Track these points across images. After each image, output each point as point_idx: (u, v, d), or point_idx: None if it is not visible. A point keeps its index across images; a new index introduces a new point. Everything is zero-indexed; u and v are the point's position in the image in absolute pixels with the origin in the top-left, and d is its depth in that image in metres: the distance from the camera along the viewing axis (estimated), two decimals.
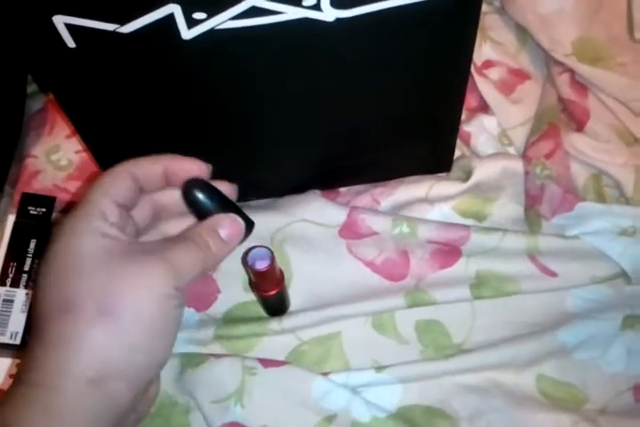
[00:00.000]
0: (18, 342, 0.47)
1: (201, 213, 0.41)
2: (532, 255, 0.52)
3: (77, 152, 0.59)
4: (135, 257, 0.36)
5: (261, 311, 0.52)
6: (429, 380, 0.49)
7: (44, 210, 0.51)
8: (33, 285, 0.38)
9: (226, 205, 0.41)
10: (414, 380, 0.49)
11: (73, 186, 0.58)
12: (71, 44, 0.39)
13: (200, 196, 0.41)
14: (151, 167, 0.42)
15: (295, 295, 0.52)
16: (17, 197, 0.56)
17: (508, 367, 0.49)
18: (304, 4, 0.39)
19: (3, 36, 0.52)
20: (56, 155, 0.59)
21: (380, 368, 0.49)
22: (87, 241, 0.37)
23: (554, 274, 0.51)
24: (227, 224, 0.40)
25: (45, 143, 0.59)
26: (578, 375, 0.49)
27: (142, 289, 0.35)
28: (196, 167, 0.42)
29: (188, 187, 0.41)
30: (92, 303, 0.34)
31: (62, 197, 0.56)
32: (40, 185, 0.58)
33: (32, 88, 0.61)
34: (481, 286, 0.51)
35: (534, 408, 0.48)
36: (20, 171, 0.58)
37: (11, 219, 0.52)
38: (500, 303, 0.51)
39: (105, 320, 0.34)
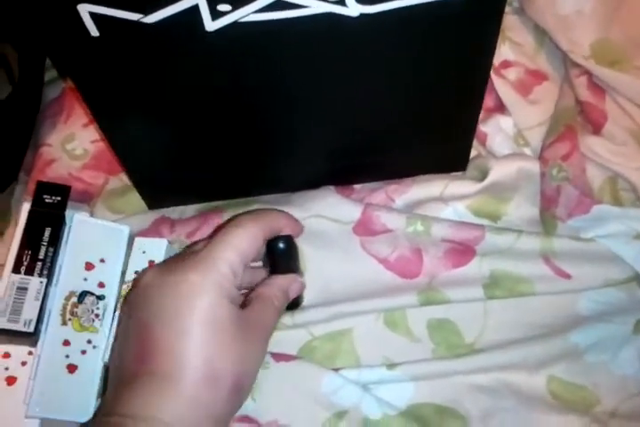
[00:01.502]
0: (31, 329, 0.47)
1: (275, 262, 0.47)
2: (547, 257, 0.52)
3: (93, 142, 0.59)
4: (248, 332, 0.42)
5: None
6: (441, 379, 0.49)
7: (59, 198, 0.51)
8: (147, 319, 0.42)
9: (296, 259, 0.49)
10: (425, 378, 0.49)
11: (88, 175, 0.58)
12: (95, 32, 0.39)
13: (284, 251, 0.47)
14: (277, 226, 0.46)
15: (308, 291, 0.52)
16: (31, 186, 0.56)
17: (520, 368, 0.49)
18: None
19: (23, 23, 0.52)
20: (71, 144, 0.59)
21: (391, 366, 0.49)
22: (222, 305, 0.41)
23: (568, 276, 0.51)
24: (295, 287, 0.47)
25: (61, 132, 0.59)
26: (589, 378, 0.49)
27: (257, 370, 0.43)
28: (298, 227, 0.49)
29: (281, 240, 0.47)
30: (231, 381, 0.40)
31: (77, 187, 0.56)
32: (55, 173, 0.57)
33: (49, 76, 0.61)
34: (494, 285, 0.51)
35: (545, 410, 0.48)
36: (34, 159, 0.58)
37: (25, 206, 0.52)
38: (513, 304, 0.51)
39: (235, 396, 0.41)
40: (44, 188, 0.51)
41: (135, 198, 0.56)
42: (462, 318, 0.51)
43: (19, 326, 0.47)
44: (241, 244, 0.42)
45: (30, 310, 0.47)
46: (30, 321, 0.47)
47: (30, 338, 0.48)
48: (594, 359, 0.49)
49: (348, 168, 0.56)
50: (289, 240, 0.48)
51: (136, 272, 0.50)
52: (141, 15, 0.38)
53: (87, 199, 0.57)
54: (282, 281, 0.46)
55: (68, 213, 0.52)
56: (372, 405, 0.47)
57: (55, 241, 0.49)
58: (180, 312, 0.40)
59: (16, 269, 0.48)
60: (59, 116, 0.60)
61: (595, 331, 0.50)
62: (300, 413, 0.47)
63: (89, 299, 0.50)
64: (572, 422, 0.47)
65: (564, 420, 0.47)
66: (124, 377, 0.41)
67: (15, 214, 0.53)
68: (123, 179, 0.58)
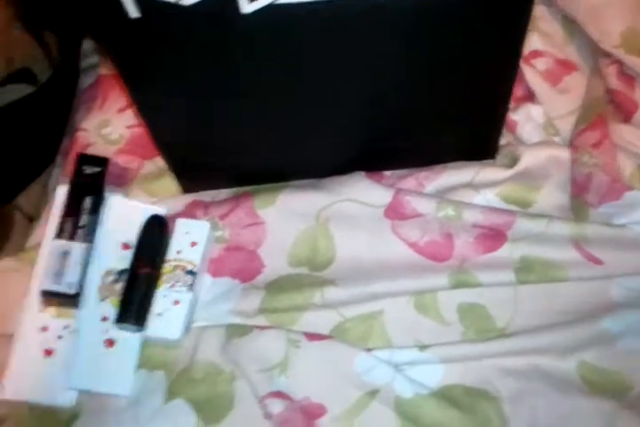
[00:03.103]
0: (74, 291, 0.48)
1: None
2: (578, 243, 0.52)
3: (128, 127, 0.60)
4: None
5: (304, 283, 0.52)
6: (471, 361, 0.49)
7: (98, 170, 0.52)
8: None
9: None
10: (456, 360, 0.49)
11: (123, 160, 0.59)
12: (135, 13, 0.40)
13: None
14: None
15: (338, 272, 0.53)
16: (68, 169, 0.57)
17: (550, 353, 0.49)
18: None
19: (62, 11, 0.54)
20: (106, 129, 0.60)
21: (423, 347, 0.49)
22: None
23: (599, 262, 0.51)
24: None
25: (96, 117, 0.60)
26: (620, 363, 0.49)
27: None
28: None
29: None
30: None
31: (112, 170, 0.56)
32: None
33: (84, 64, 0.62)
34: (526, 270, 0.51)
35: (576, 393, 0.48)
36: (70, 143, 0.59)
37: (62, 188, 0.53)
38: (544, 290, 0.52)
39: None
40: (84, 159, 0.52)
41: (170, 182, 0.57)
42: (493, 302, 0.51)
43: (63, 288, 0.48)
44: None
45: (73, 274, 0.49)
46: (73, 284, 0.48)
47: (73, 300, 0.49)
48: (625, 346, 0.49)
49: (378, 153, 0.56)
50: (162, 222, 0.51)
51: (178, 252, 0.51)
52: None
53: (122, 183, 0.58)
54: None
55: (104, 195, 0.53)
56: (404, 384, 0.48)
57: (95, 210, 0.50)
58: None
59: (59, 235, 0.49)
60: (94, 101, 0.61)
61: (626, 317, 0.50)
62: (333, 391, 0.48)
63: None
64: (603, 406, 0.47)
65: (594, 404, 0.47)
66: None
67: (53, 196, 0.54)
68: (157, 163, 0.59)
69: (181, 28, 0.41)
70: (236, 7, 0.40)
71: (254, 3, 0.40)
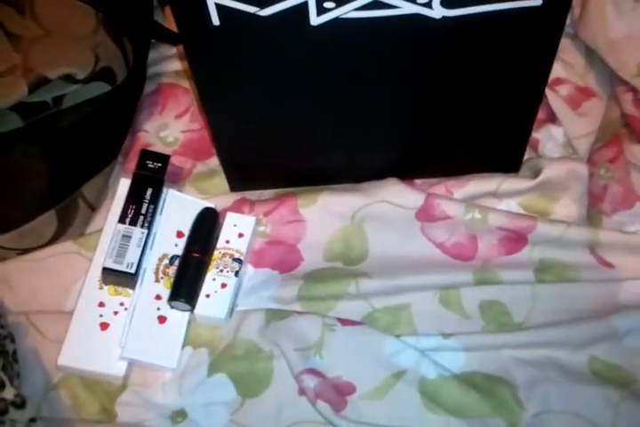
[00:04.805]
0: (133, 270, 0.54)
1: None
2: (592, 247, 0.57)
3: (183, 131, 0.66)
4: None
5: (340, 275, 0.57)
6: (490, 351, 0.53)
7: (159, 165, 0.58)
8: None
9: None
10: (477, 349, 0.53)
11: (177, 160, 0.64)
12: (216, 21, 0.46)
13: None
14: None
15: (370, 267, 0.57)
16: (129, 165, 0.63)
17: (563, 347, 0.53)
18: (418, 1, 0.45)
19: (139, 19, 0.60)
20: (164, 132, 0.66)
21: (446, 335, 0.54)
22: None
23: (610, 266, 0.56)
24: None
25: (156, 121, 0.66)
26: (626, 359, 0.53)
27: None
28: None
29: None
30: None
31: (168, 169, 0.61)
32: None
33: (148, 72, 0.68)
34: (544, 271, 0.56)
35: (586, 383, 0.52)
36: (132, 142, 0.65)
37: (123, 182, 0.59)
38: (559, 289, 0.56)
39: None
40: (147, 155, 0.58)
41: (219, 182, 0.63)
42: (512, 300, 0.56)
43: (122, 267, 0.53)
44: None
45: (133, 255, 0.54)
46: (132, 264, 0.54)
47: (131, 279, 0.54)
48: (632, 343, 0.54)
49: (412, 162, 0.61)
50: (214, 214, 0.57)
51: (227, 241, 0.56)
52: (258, 8, 0.45)
53: (177, 180, 0.63)
54: None
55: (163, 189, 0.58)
56: (429, 367, 0.52)
57: (155, 200, 0.56)
58: None
59: (122, 221, 0.55)
60: (155, 107, 0.67)
61: (632, 317, 0.54)
62: (363, 371, 0.52)
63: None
64: (612, 395, 0.51)
65: (604, 392, 0.51)
66: None
67: (112, 190, 0.60)
68: (208, 165, 0.64)
69: (256, 35, 0.47)
70: (306, 19, 0.45)
71: (323, 16, 0.46)
